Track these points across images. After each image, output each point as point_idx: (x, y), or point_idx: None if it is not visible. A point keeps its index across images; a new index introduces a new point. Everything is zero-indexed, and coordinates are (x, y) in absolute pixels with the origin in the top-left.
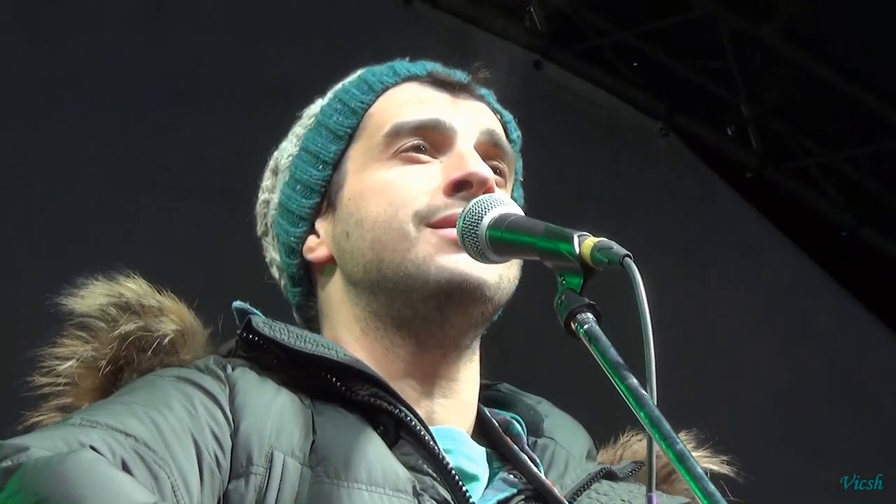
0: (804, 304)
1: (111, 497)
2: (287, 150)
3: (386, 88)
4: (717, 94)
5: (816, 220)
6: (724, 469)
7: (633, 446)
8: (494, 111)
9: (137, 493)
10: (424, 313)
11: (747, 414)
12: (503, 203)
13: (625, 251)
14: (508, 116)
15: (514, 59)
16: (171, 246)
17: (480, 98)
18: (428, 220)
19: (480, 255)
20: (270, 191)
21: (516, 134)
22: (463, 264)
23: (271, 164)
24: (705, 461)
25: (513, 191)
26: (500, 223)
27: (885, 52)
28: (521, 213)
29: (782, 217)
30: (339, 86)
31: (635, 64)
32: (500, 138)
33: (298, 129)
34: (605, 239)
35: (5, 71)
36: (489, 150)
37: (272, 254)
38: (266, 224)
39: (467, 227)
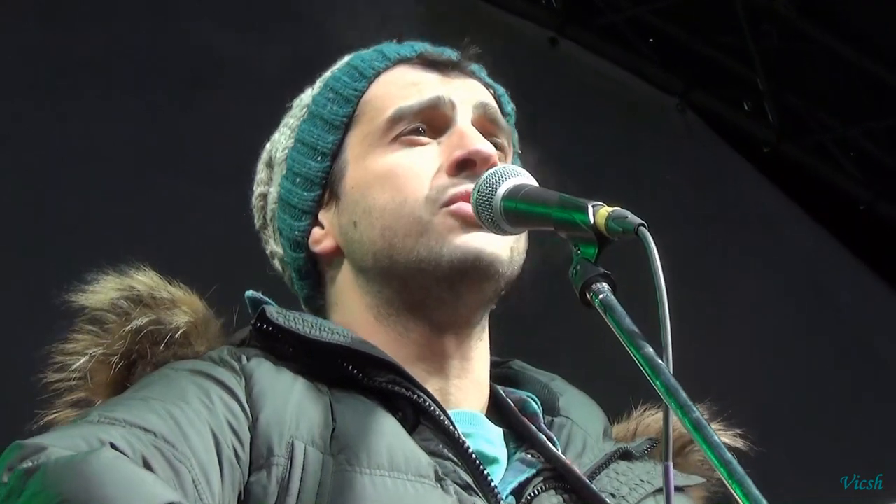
0: (822, 278)
1: (135, 496)
2: (281, 142)
3: (378, 74)
4: (734, 70)
5: (834, 195)
6: (738, 443)
7: (646, 420)
8: (487, 86)
9: (161, 491)
10: (437, 294)
11: (763, 386)
12: (517, 174)
13: (639, 220)
14: (501, 90)
15: (530, 37)
16: (184, 228)
17: (472, 74)
18: (439, 202)
19: (495, 227)
20: (266, 184)
21: (510, 107)
22: (475, 242)
23: (265, 156)
24: (718, 434)
25: (513, 163)
26: (515, 194)
27: None
28: (535, 183)
29: (799, 192)
30: (328, 74)
31: (651, 40)
32: (495, 113)
33: (291, 121)
34: (619, 208)
35: (24, 54)
36: (486, 125)
37: (274, 247)
38: (265, 218)
39: (482, 199)
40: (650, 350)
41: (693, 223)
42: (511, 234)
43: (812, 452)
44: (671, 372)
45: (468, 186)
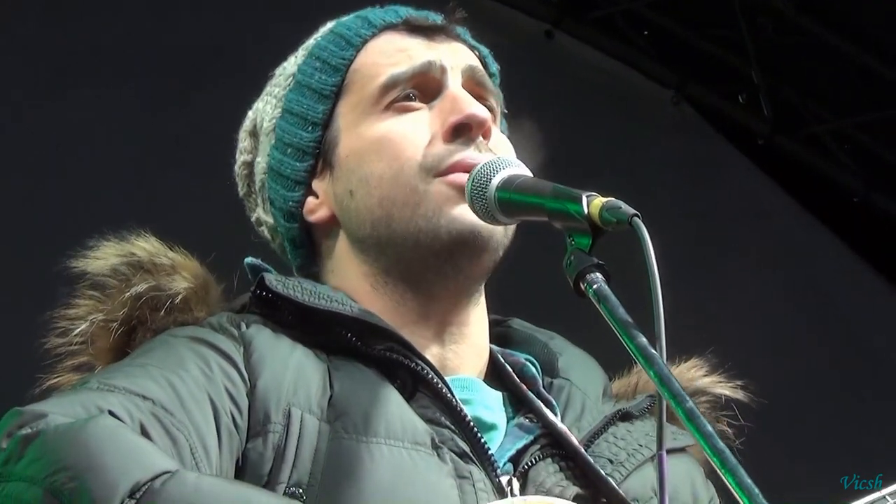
0: (816, 270)
1: (133, 463)
2: (267, 112)
3: (364, 42)
4: (729, 63)
5: (828, 187)
6: (739, 394)
7: (646, 375)
8: (471, 48)
9: (159, 459)
10: (436, 267)
11: (757, 379)
12: (511, 164)
13: (633, 210)
14: (486, 50)
15: (526, 30)
16: (182, 216)
17: (456, 37)
18: (436, 171)
19: (489, 217)
20: (250, 152)
21: (495, 67)
22: (472, 215)
23: (247, 125)
24: (719, 386)
25: (500, 124)
26: (509, 185)
27: (895, 19)
28: (529, 174)
29: (794, 184)
30: (311, 42)
31: (646, 33)
32: (483, 75)
33: (276, 90)
34: (613, 199)
35: (28, 47)
36: (475, 88)
37: (262, 216)
38: (249, 186)
39: (476, 189)
40: (644, 340)
41: (688, 215)
42: (505, 224)
43: (809, 447)
44: (664, 361)
45: (464, 153)
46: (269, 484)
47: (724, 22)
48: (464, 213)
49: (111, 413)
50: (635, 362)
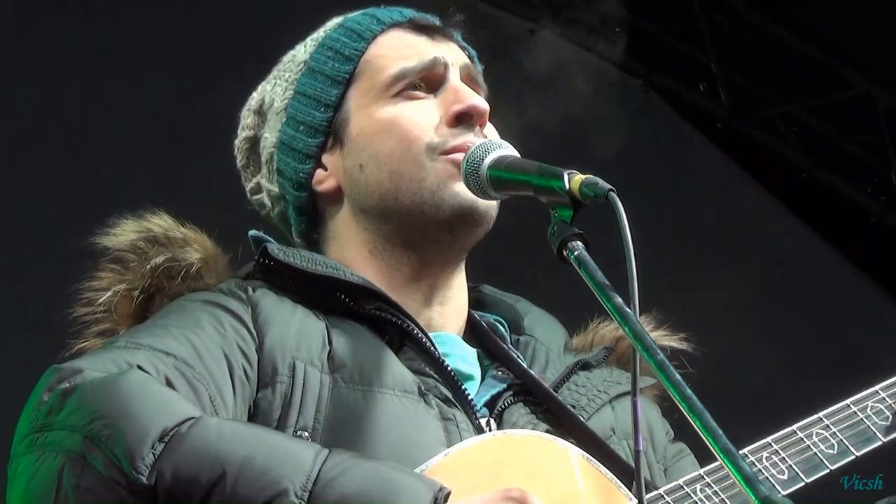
0: (769, 235)
1: (161, 411)
2: (278, 93)
3: (375, 36)
4: (690, 55)
5: (779, 164)
6: (683, 345)
7: (602, 331)
8: (462, 48)
9: (184, 406)
10: (435, 235)
11: (717, 337)
12: (501, 146)
13: (609, 185)
14: (473, 52)
15: (511, 27)
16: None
17: (451, 37)
18: (441, 150)
19: (481, 192)
20: (254, 128)
21: (480, 67)
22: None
23: (252, 105)
24: (665, 339)
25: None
26: (499, 164)
27: (837, 14)
28: (517, 154)
29: (749, 161)
30: (321, 34)
31: (618, 29)
32: (476, 73)
33: (287, 75)
34: (591, 175)
35: (66, 44)
36: (469, 83)
37: (265, 184)
38: (249, 158)
39: (470, 168)
40: (619, 300)
41: (655, 189)
42: (496, 198)
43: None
44: (637, 319)
45: (465, 137)
46: (278, 428)
47: (686, 18)
48: (465, 190)
49: (139, 367)
50: (603, 320)
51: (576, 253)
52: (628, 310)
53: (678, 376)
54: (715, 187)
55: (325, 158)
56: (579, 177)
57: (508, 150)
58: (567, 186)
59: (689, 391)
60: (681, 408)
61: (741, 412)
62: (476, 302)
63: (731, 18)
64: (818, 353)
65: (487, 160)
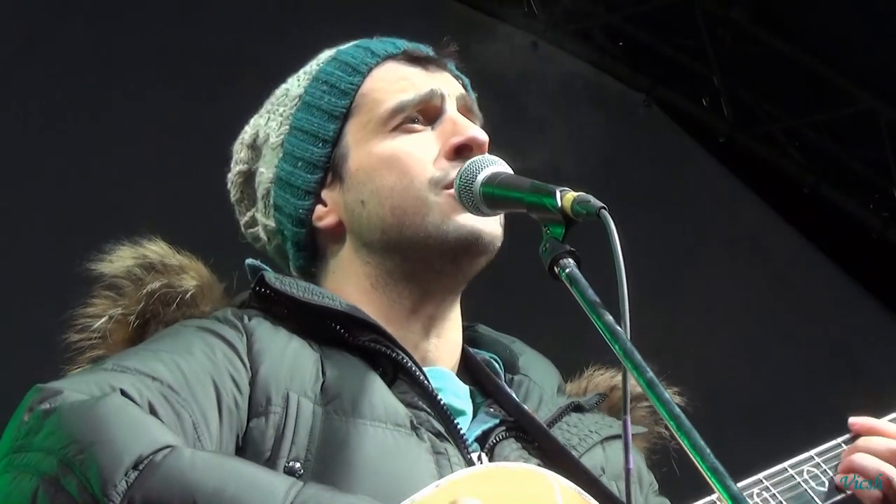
0: (770, 251)
1: (138, 438)
2: (272, 128)
3: (370, 69)
4: (693, 69)
5: (781, 179)
6: (677, 399)
7: (596, 379)
8: (456, 77)
9: (161, 435)
10: (439, 266)
11: (721, 351)
12: (494, 163)
13: (601, 203)
14: (466, 81)
15: (514, 41)
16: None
17: (445, 67)
18: (443, 184)
19: (475, 209)
20: (247, 163)
21: (474, 95)
22: (476, 222)
23: (245, 139)
24: None
25: None
26: (493, 180)
27: (840, 30)
28: (510, 171)
29: (751, 177)
30: (314, 68)
31: (621, 43)
32: (472, 102)
33: (281, 109)
34: (583, 193)
35: (74, 57)
36: (466, 113)
37: (261, 219)
38: (245, 193)
39: (464, 185)
40: (610, 318)
41: (656, 204)
42: (489, 215)
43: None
44: (629, 337)
45: None
46: (271, 458)
47: (689, 33)
48: (468, 219)
49: (122, 391)
50: (598, 368)
51: (567, 270)
52: (619, 328)
53: (667, 395)
54: (717, 202)
55: (325, 194)
56: (571, 194)
57: (502, 167)
58: (559, 204)
59: (677, 410)
60: (669, 426)
61: (740, 428)
62: (471, 340)
63: (735, 33)
64: (820, 368)
65: (480, 177)
